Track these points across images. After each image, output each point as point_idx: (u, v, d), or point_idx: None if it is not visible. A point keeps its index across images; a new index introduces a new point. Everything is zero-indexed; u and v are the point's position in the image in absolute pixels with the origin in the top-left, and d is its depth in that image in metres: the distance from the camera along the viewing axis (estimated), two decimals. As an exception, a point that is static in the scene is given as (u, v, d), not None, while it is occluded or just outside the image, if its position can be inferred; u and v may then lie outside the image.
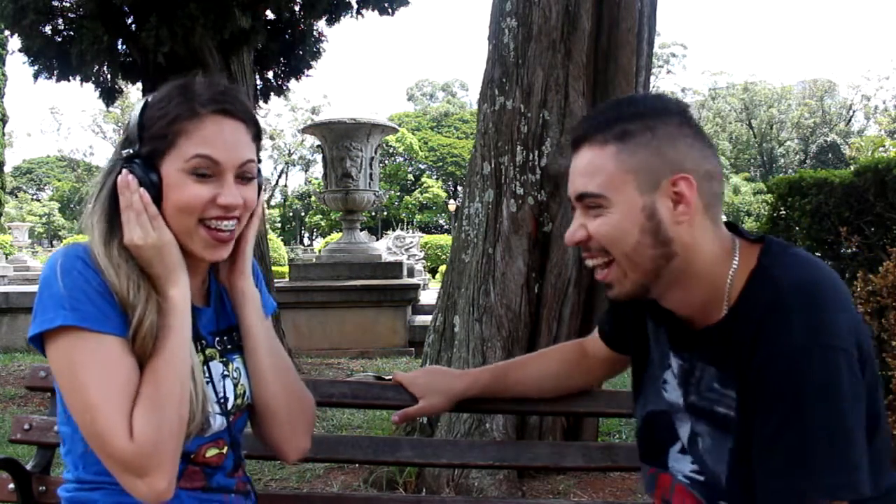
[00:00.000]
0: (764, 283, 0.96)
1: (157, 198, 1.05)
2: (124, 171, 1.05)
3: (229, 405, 1.13)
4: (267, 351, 1.17)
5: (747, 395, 0.95)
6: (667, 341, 1.10)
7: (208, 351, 1.13)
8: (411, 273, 11.31)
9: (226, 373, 1.14)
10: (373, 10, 6.63)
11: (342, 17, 6.66)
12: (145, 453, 0.95)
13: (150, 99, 1.08)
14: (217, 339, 1.15)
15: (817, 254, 3.24)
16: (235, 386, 1.15)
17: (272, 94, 7.21)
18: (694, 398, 1.04)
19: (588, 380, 1.41)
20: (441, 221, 45.12)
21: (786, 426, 0.89)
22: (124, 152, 1.06)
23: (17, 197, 42.48)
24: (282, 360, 1.20)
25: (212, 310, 1.17)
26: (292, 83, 7.25)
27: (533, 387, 1.41)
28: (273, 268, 8.42)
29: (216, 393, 1.11)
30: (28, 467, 1.42)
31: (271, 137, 46.30)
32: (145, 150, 1.05)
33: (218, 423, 1.11)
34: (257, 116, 1.15)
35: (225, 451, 1.14)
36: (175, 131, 1.04)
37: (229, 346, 1.17)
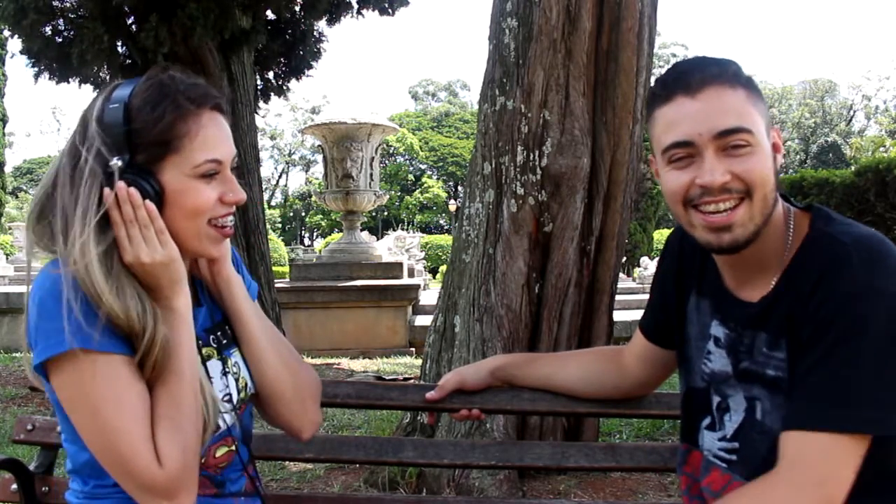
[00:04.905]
0: (821, 242, 0.99)
1: (159, 207, 0.99)
2: (120, 183, 0.96)
3: (234, 401, 1.11)
4: (262, 333, 1.16)
5: (798, 344, 0.97)
6: (709, 312, 1.13)
7: (205, 350, 1.10)
8: (412, 273, 11.31)
9: (226, 369, 1.11)
10: (373, 9, 6.65)
11: (342, 17, 6.69)
12: (175, 477, 0.94)
13: (129, 102, 0.98)
14: (212, 336, 1.12)
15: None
16: (237, 381, 1.13)
17: (272, 94, 7.23)
18: (746, 364, 1.06)
19: (624, 378, 1.38)
20: (441, 221, 45.12)
21: (830, 357, 0.92)
22: (112, 163, 0.97)
23: (17, 197, 42.48)
24: (277, 338, 1.19)
25: (205, 308, 1.14)
26: (292, 83, 7.29)
27: (573, 376, 1.41)
28: (273, 268, 8.42)
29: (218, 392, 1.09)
30: (31, 468, 1.42)
31: (272, 137, 46.27)
32: (141, 157, 0.98)
33: (226, 421, 1.09)
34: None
35: (234, 447, 1.12)
36: (178, 135, 0.99)
37: (224, 342, 1.14)
